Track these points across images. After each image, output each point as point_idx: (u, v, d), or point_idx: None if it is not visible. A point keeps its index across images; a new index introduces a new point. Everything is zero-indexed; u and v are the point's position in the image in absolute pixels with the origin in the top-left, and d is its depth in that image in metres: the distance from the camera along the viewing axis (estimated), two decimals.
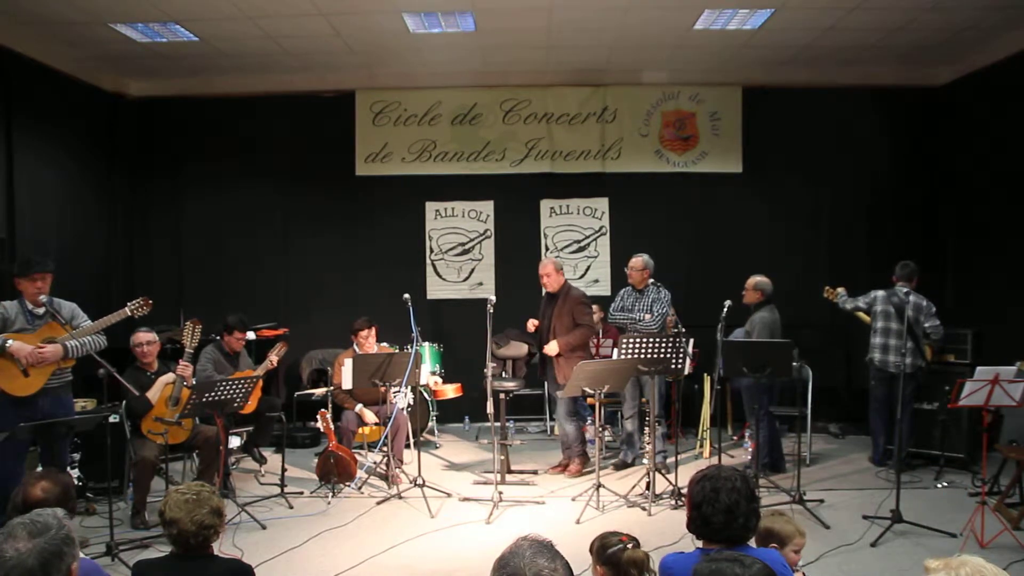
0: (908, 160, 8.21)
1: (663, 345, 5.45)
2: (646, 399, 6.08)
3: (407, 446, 6.45)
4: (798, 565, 3.15)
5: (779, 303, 7.38)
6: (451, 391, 7.37)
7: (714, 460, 6.16)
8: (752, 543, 2.43)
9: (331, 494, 5.68)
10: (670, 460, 5.91)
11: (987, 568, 1.69)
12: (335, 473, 5.78)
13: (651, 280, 6.29)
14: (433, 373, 7.36)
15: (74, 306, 4.90)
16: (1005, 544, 4.46)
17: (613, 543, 2.57)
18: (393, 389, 5.84)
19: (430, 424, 7.52)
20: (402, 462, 6.23)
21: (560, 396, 6.03)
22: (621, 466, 6.44)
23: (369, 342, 6.47)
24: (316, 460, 6.04)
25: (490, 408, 5.61)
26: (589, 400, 6.51)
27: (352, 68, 8.02)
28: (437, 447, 7.35)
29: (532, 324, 6.26)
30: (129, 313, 4.93)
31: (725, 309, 5.80)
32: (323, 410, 6.12)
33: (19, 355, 4.48)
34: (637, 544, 2.59)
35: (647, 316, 6.14)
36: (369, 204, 8.35)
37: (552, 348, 6.06)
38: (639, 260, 6.27)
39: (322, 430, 6.10)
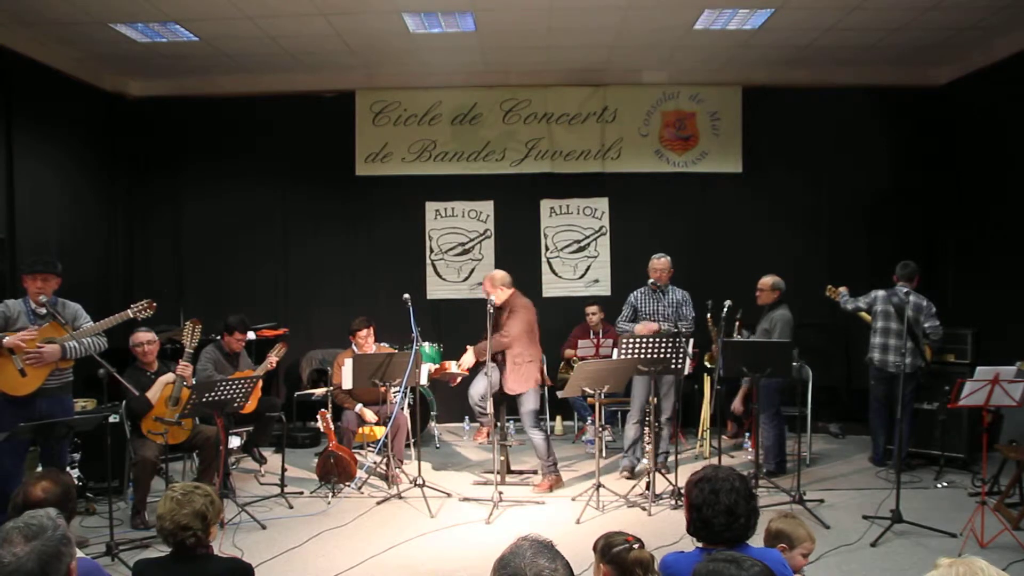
0: (908, 160, 8.20)
1: (663, 345, 5.44)
2: (655, 399, 5.99)
3: (407, 446, 6.45)
4: (803, 569, 3.16)
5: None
6: (455, 367, 6.57)
7: (714, 459, 6.16)
8: (751, 542, 2.43)
9: (331, 494, 5.68)
10: (670, 460, 5.88)
11: (985, 571, 1.68)
12: (335, 473, 5.78)
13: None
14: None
15: (78, 307, 4.92)
16: (1005, 544, 4.46)
17: (619, 542, 2.58)
18: (393, 389, 5.83)
19: (431, 424, 7.52)
20: (402, 462, 6.23)
21: (560, 395, 5.95)
22: (634, 474, 6.10)
23: (368, 342, 6.46)
24: (316, 460, 6.04)
25: (490, 408, 5.62)
26: (589, 400, 6.51)
27: (352, 68, 8.02)
28: (437, 447, 7.35)
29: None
30: (132, 315, 4.93)
31: (725, 309, 5.80)
32: (323, 410, 6.12)
33: (13, 344, 4.47)
34: (643, 545, 2.60)
35: (681, 323, 5.98)
36: (369, 204, 8.35)
37: (467, 359, 5.98)
38: (667, 260, 6.13)
39: (322, 430, 6.10)
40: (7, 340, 4.47)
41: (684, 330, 5.84)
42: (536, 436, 5.87)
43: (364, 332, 6.43)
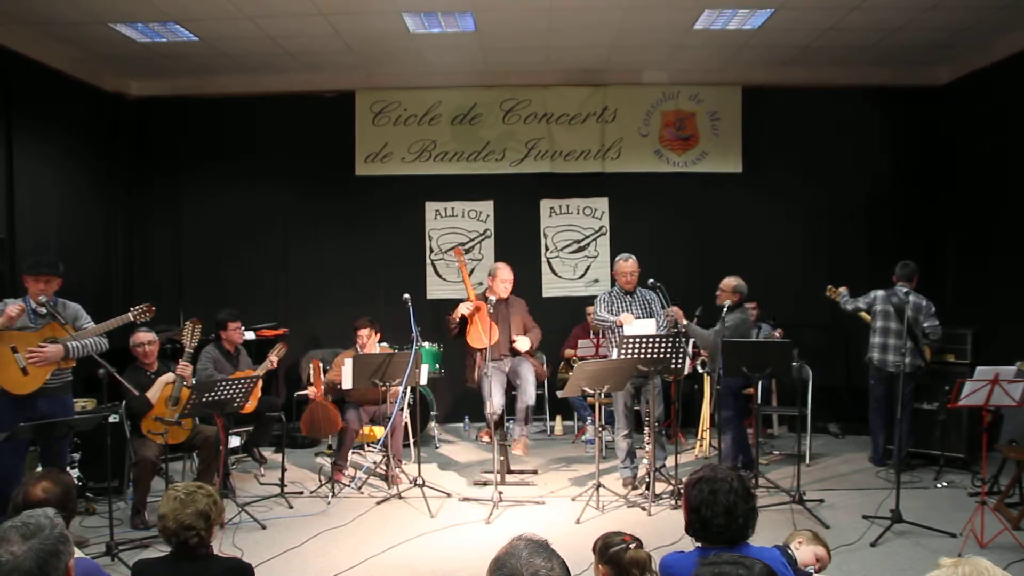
0: (908, 160, 8.20)
1: (663, 345, 5.43)
2: (640, 403, 6.01)
3: (406, 445, 6.45)
4: (809, 568, 3.19)
5: (779, 303, 7.41)
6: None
7: (714, 458, 6.16)
8: (751, 542, 2.42)
9: (331, 494, 5.68)
10: (670, 461, 5.86)
11: (989, 571, 1.68)
12: (321, 426, 5.78)
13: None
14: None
15: (78, 307, 4.93)
16: (1005, 544, 4.46)
17: (616, 543, 2.59)
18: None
19: (431, 424, 7.52)
20: (400, 461, 6.23)
21: (560, 395, 5.99)
22: (636, 483, 5.88)
23: (371, 342, 6.41)
24: (302, 416, 6.13)
25: (490, 408, 5.62)
26: (589, 400, 6.51)
27: (352, 68, 8.02)
28: (437, 447, 7.35)
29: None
30: (132, 318, 4.96)
31: (725, 309, 5.79)
32: (316, 360, 6.14)
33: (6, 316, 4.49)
34: (640, 545, 2.60)
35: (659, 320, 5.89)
36: (369, 204, 8.35)
37: (524, 343, 6.02)
38: (634, 261, 5.95)
39: (311, 381, 6.11)
40: None
41: (662, 330, 5.72)
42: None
43: (365, 331, 6.36)
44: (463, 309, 5.95)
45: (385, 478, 5.97)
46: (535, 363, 6.18)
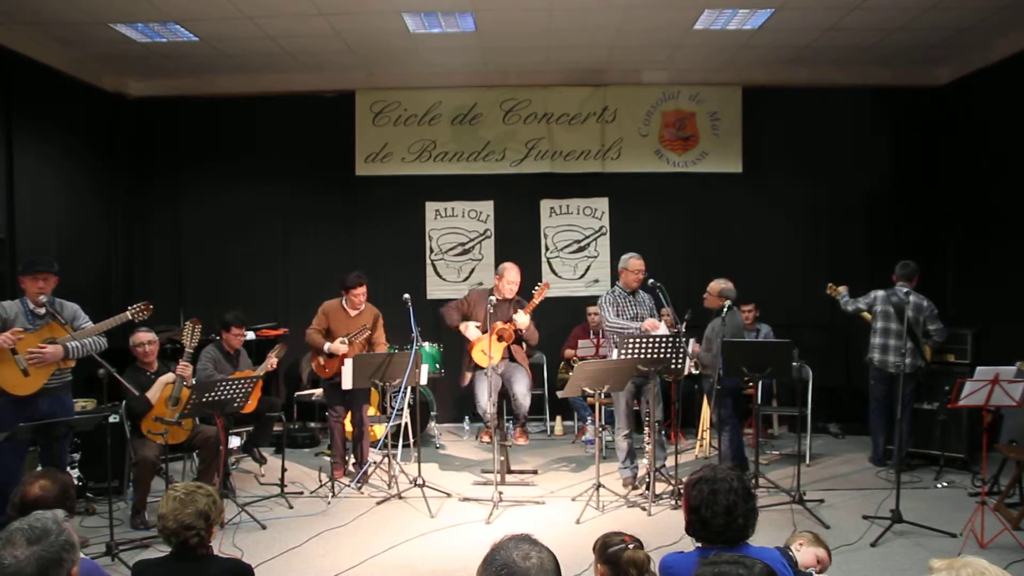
0: (908, 160, 8.20)
1: (663, 345, 5.43)
2: (640, 402, 6.02)
3: (406, 445, 6.44)
4: (810, 570, 3.20)
5: (779, 303, 7.37)
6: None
7: (714, 458, 6.16)
8: (751, 542, 2.43)
9: (331, 494, 5.68)
10: (670, 461, 5.86)
11: (990, 571, 1.68)
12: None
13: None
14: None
15: (76, 307, 4.93)
16: (1005, 544, 4.46)
17: (615, 542, 2.60)
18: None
19: (431, 424, 7.52)
20: (364, 461, 6.16)
21: (560, 395, 6.01)
22: (636, 483, 5.86)
23: (363, 300, 6.23)
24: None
25: (491, 408, 5.62)
26: (589, 400, 6.51)
27: (352, 68, 8.02)
28: (438, 447, 7.35)
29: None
30: (130, 317, 4.96)
31: (725, 309, 5.79)
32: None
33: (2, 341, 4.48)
34: (640, 545, 2.60)
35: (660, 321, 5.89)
36: (369, 204, 8.35)
37: (523, 319, 6.17)
38: (641, 261, 5.94)
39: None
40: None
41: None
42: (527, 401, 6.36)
43: (361, 290, 6.17)
44: (504, 329, 6.18)
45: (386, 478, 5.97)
46: (527, 363, 6.26)
